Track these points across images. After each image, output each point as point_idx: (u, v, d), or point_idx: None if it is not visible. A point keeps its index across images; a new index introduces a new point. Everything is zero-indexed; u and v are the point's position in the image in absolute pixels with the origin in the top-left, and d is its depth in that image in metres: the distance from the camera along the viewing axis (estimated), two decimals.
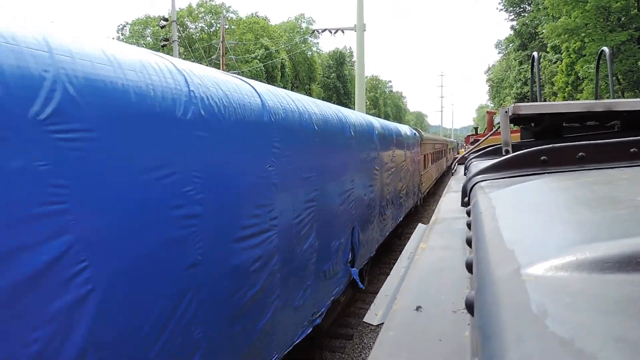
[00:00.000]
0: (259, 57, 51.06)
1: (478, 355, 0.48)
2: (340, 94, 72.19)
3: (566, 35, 28.76)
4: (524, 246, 0.67)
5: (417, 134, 13.69)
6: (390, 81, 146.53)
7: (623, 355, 0.35)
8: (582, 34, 27.00)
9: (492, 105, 69.98)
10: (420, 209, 16.53)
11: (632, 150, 1.50)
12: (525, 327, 0.42)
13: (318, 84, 69.24)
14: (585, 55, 27.41)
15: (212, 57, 42.65)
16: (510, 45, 55.13)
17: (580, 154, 1.55)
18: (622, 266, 0.50)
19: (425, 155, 16.68)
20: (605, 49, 4.51)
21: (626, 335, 0.38)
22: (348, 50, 79.54)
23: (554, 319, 0.42)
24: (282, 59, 56.19)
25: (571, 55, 32.25)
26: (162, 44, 26.88)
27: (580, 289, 0.48)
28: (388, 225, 8.70)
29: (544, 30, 38.83)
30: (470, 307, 0.66)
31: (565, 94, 34.80)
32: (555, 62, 39.98)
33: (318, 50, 73.37)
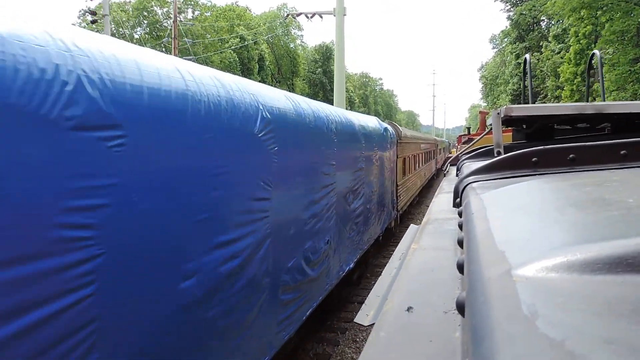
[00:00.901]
0: (233, 47, 46.98)
1: (469, 356, 0.47)
2: (327, 90, 65.66)
3: (582, 12, 24.63)
4: (515, 247, 0.67)
5: (390, 130, 10.06)
6: (380, 79, 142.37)
7: (613, 357, 0.35)
8: (602, 8, 22.34)
9: (485, 104, 68.64)
10: (397, 231, 12.23)
11: (622, 152, 1.51)
12: (515, 328, 0.42)
13: (303, 79, 65.97)
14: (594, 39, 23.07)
15: (164, 40, 39.68)
16: (506, 39, 52.99)
17: (571, 155, 1.56)
18: (613, 267, 0.50)
19: (405, 159, 13.25)
20: (597, 52, 4.55)
21: (616, 336, 0.38)
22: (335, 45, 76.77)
23: (545, 320, 0.42)
24: (261, 51, 53.02)
25: (581, 41, 28.46)
26: (90, 19, 22.68)
27: (570, 290, 0.48)
28: (322, 285, 4.86)
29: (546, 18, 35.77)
30: (461, 308, 0.66)
31: (574, 87, 30.53)
32: (559, 52, 36.61)
33: (302, 43, 69.63)
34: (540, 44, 43.62)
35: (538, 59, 39.63)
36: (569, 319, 0.42)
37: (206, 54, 42.79)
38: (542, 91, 41.23)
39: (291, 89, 58.19)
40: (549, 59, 38.01)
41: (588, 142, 1.63)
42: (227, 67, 41.12)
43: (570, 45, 32.24)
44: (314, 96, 62.28)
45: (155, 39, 42.20)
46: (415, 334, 0.78)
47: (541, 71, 39.74)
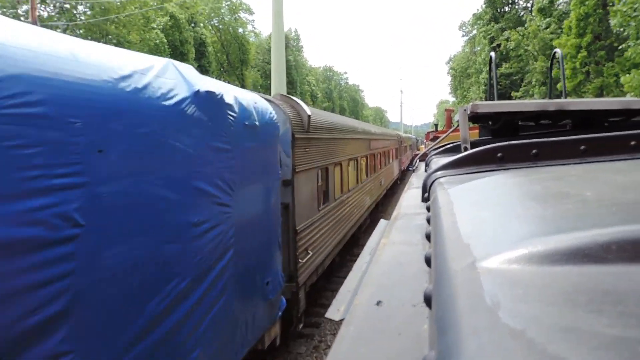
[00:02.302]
0: (161, 27, 39.41)
1: (435, 347, 0.48)
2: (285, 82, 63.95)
3: None
4: (480, 240, 0.69)
5: (277, 115, 4.97)
6: (345, 72, 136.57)
7: (571, 345, 0.36)
8: None
9: (454, 99, 66.44)
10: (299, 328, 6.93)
11: (581, 147, 1.57)
12: (479, 320, 0.43)
13: (257, 70, 59.79)
14: None
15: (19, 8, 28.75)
16: (478, 22, 48.03)
17: (534, 151, 1.61)
18: (571, 258, 0.52)
19: (331, 169, 7.88)
20: (558, 50, 4.70)
21: (573, 324, 0.39)
22: (293, 33, 67.51)
23: (506, 311, 0.43)
24: (201, 34, 46.74)
25: (586, 2, 23.12)
26: None
27: (531, 281, 0.49)
28: None
29: None
30: (428, 300, 0.67)
31: (577, 64, 24.31)
32: (546, 28, 31.81)
33: (254, 30, 61.96)
34: (522, 20, 39.18)
35: (522, 35, 34.20)
36: (529, 309, 0.43)
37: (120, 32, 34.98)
38: (525, 77, 36.99)
39: (240, 80, 53.04)
40: (534, 37, 32.05)
41: (550, 137, 1.69)
42: (152, 50, 34.84)
43: (563, 16, 28.47)
44: (268, 89, 58.69)
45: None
46: (385, 328, 0.79)
47: (525, 51, 34.89)
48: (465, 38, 61.52)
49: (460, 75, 59.60)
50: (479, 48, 49.19)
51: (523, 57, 36.14)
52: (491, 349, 0.37)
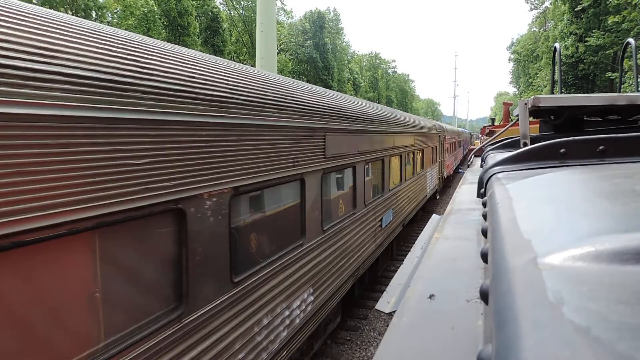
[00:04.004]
0: None
1: (492, 341, 0.48)
2: (319, 67, 53.72)
3: None
4: (540, 236, 0.67)
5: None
6: (394, 60, 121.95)
7: (639, 344, 0.35)
8: None
9: (515, 89, 59.50)
10: None
11: None
12: (541, 314, 0.42)
13: (290, 54, 52.92)
14: None
15: None
16: None
17: (601, 147, 1.53)
18: None
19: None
20: (631, 40, 4.39)
21: None
22: (332, 14, 59.23)
23: (571, 307, 0.42)
24: (213, 8, 39.39)
25: None
26: None
27: (598, 279, 0.48)
28: None
29: None
30: (484, 295, 0.66)
31: None
32: None
33: (283, 6, 53.80)
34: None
35: None
36: (596, 307, 0.42)
37: None
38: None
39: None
40: None
41: (619, 134, 1.59)
42: (140, 21, 29.47)
43: None
44: (300, 75, 51.51)
45: None
46: (437, 321, 0.78)
47: (561, 69, 27.08)
48: (533, 13, 51.38)
49: (525, 60, 51.93)
50: (552, 22, 39.40)
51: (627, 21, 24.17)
52: (553, 344, 0.37)
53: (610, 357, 0.34)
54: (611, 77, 27.31)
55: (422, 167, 13.66)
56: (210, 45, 38.83)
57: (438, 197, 17.44)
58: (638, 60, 4.08)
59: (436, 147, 17.02)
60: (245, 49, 45.93)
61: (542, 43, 42.47)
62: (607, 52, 29.13)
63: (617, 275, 0.48)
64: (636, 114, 3.04)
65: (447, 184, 22.35)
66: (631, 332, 0.37)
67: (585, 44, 29.91)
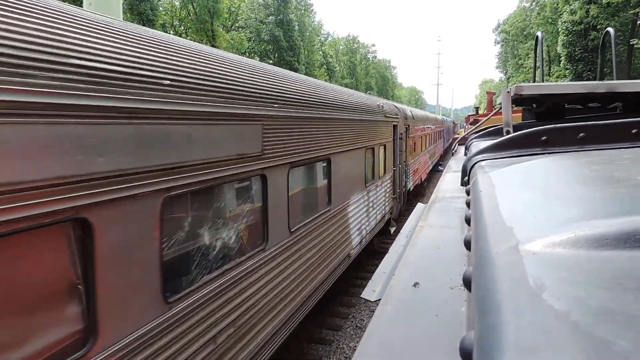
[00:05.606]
0: None
1: (474, 328, 0.48)
2: (282, 47, 46.65)
3: None
4: (522, 223, 0.68)
5: None
6: (373, 45, 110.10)
7: (616, 328, 0.36)
8: None
9: (502, 74, 56.13)
10: None
11: (633, 131, 1.49)
12: (521, 300, 0.43)
13: (249, 30, 45.57)
14: None
15: None
16: None
17: (581, 134, 1.55)
18: (621, 243, 0.50)
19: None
20: (610, 29, 4.45)
21: (621, 308, 0.38)
22: None
23: (551, 293, 0.43)
24: None
25: None
26: None
27: (578, 264, 0.48)
28: None
29: None
30: (467, 282, 0.67)
31: None
32: None
33: None
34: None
35: None
36: (575, 292, 0.42)
37: None
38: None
39: (211, 39, 38.00)
40: None
41: (599, 121, 1.61)
42: None
43: None
44: (262, 56, 45.24)
45: None
46: (422, 309, 0.79)
47: (543, 58, 22.56)
48: None
49: (514, 40, 47.70)
50: None
51: None
52: (533, 329, 0.37)
53: (588, 342, 0.34)
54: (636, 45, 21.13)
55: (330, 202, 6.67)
56: (138, 14, 32.12)
57: (394, 228, 11.65)
58: (612, 48, 4.14)
59: (387, 144, 10.65)
60: (180, 21, 38.63)
61: (538, 14, 37.63)
62: (629, 13, 23.27)
63: (596, 260, 0.48)
64: (615, 102, 3.09)
65: (419, 192, 17.40)
66: (609, 316, 0.38)
67: (598, 5, 24.49)
